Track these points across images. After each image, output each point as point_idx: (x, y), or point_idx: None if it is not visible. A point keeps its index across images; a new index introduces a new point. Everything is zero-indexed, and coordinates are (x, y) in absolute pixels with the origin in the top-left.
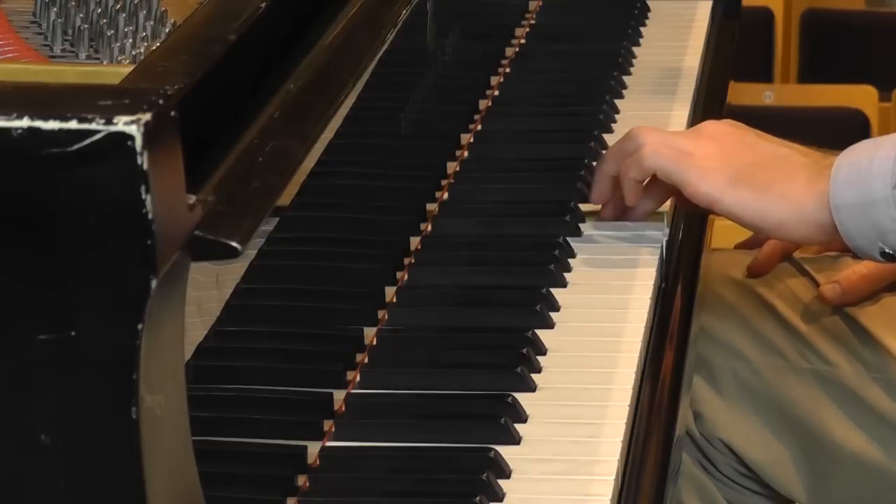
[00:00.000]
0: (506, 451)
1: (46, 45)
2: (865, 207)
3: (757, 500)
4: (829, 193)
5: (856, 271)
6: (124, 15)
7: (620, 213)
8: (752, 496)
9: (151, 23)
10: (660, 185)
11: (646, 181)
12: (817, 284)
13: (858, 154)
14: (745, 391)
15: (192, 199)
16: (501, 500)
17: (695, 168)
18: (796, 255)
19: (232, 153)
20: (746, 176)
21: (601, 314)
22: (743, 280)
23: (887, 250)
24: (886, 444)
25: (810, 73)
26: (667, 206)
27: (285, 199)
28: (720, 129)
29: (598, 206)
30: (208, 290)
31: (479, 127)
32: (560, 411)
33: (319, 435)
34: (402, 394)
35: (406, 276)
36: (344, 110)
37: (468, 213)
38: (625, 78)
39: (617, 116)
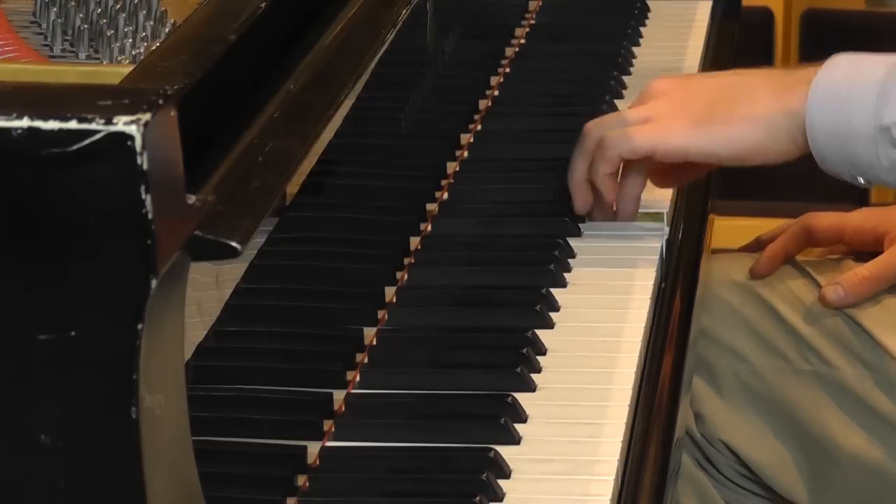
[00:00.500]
0: (506, 451)
1: (46, 45)
2: (842, 137)
3: (756, 502)
4: (804, 111)
5: (858, 273)
6: (124, 15)
7: (609, 211)
8: (752, 497)
9: (151, 23)
10: (633, 168)
11: (620, 171)
12: (819, 286)
13: (837, 75)
14: (746, 392)
15: (192, 199)
16: (501, 500)
17: (655, 130)
18: (798, 257)
19: (232, 153)
20: (705, 113)
21: (601, 314)
22: (744, 282)
23: (860, 179)
24: (887, 444)
25: None
26: (667, 205)
27: (285, 199)
28: (664, 85)
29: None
30: (208, 290)
31: (479, 127)
32: (560, 411)
33: (319, 435)
34: (402, 394)
35: (406, 276)
36: (344, 110)
37: (468, 213)
38: (625, 78)
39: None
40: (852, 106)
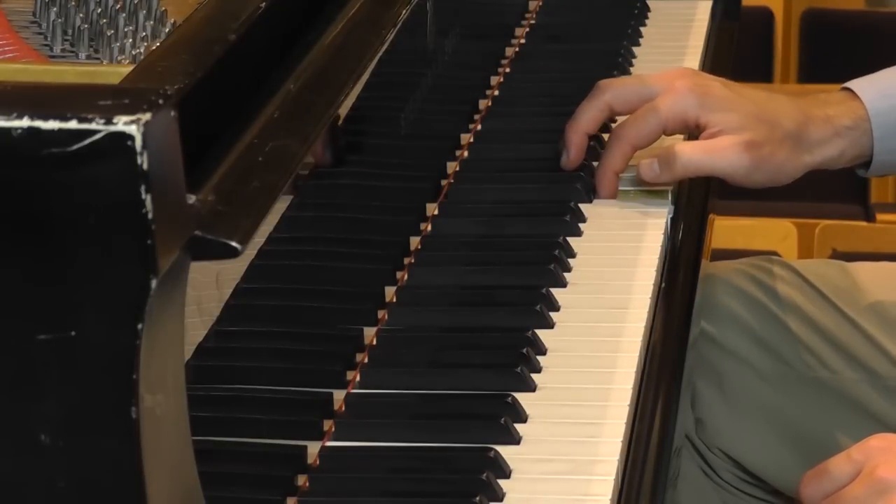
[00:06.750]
0: (506, 451)
1: (46, 45)
2: None
3: None
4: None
5: (680, 154)
6: (124, 15)
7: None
8: (753, 502)
9: (151, 23)
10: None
11: None
12: (820, 293)
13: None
14: (751, 398)
15: (192, 199)
16: (501, 500)
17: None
18: (798, 265)
19: (232, 153)
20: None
21: (601, 314)
22: (748, 289)
23: None
24: None
25: (810, 73)
26: (666, 205)
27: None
28: None
29: (598, 199)
30: (208, 290)
31: (479, 127)
32: (560, 411)
33: (319, 435)
34: (402, 394)
35: (406, 276)
36: (344, 110)
37: (468, 213)
38: None
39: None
40: None
